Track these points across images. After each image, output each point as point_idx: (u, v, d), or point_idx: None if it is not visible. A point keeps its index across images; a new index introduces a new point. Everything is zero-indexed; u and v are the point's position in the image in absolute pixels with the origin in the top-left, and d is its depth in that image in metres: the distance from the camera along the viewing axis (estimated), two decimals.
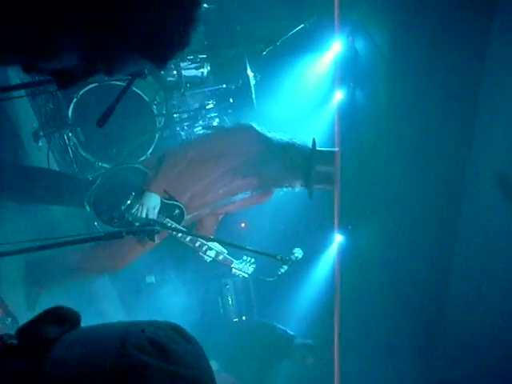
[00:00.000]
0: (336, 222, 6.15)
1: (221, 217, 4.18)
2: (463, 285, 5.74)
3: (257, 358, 5.61)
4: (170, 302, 5.75)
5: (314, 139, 3.89)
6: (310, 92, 6.28)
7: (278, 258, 3.58)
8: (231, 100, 5.40)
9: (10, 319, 3.74)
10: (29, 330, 0.83)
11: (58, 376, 0.72)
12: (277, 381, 5.97)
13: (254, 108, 5.46)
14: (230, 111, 5.46)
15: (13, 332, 0.89)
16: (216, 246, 3.89)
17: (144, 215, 3.68)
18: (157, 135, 4.96)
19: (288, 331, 5.84)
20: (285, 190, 3.99)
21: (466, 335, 5.60)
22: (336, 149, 4.01)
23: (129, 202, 3.75)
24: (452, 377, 5.95)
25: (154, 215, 3.70)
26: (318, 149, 3.86)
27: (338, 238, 6.90)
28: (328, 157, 3.86)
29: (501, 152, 4.79)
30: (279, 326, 5.94)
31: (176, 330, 0.88)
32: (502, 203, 4.74)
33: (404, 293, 6.23)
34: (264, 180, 3.87)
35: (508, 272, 4.80)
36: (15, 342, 0.82)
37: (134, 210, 3.72)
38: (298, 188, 3.92)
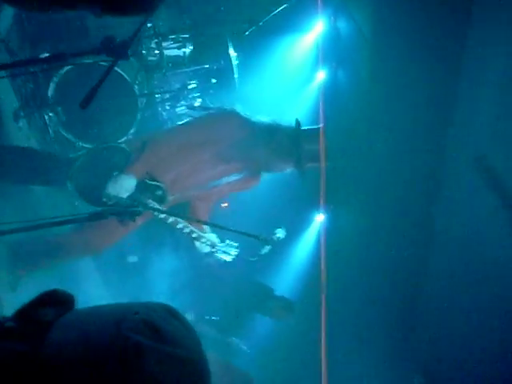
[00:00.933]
0: (321, 201, 6.19)
1: (212, 204, 4.19)
2: (443, 263, 5.84)
3: (232, 303, 5.70)
4: (153, 281, 5.76)
5: (297, 119, 3.90)
6: (293, 72, 6.27)
7: (261, 238, 3.60)
8: (213, 80, 5.38)
9: None
10: (26, 313, 0.85)
11: (57, 357, 0.74)
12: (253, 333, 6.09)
13: (236, 89, 5.45)
14: (211, 91, 5.44)
15: None
16: (198, 231, 3.90)
17: (116, 195, 3.66)
18: (138, 115, 4.94)
19: (267, 284, 5.95)
20: (274, 173, 4.01)
21: (445, 310, 5.71)
22: (320, 125, 4.04)
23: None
24: (431, 349, 6.08)
25: (124, 195, 3.69)
26: (303, 128, 3.88)
27: (319, 218, 6.96)
28: (314, 134, 3.89)
29: (480, 136, 4.85)
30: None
31: (169, 311, 0.90)
32: (481, 186, 4.82)
33: (385, 270, 6.31)
34: (250, 165, 3.89)
35: (486, 251, 4.88)
36: (12, 324, 0.84)
37: (108, 190, 3.70)
38: (289, 170, 3.93)
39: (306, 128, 3.92)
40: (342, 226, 6.67)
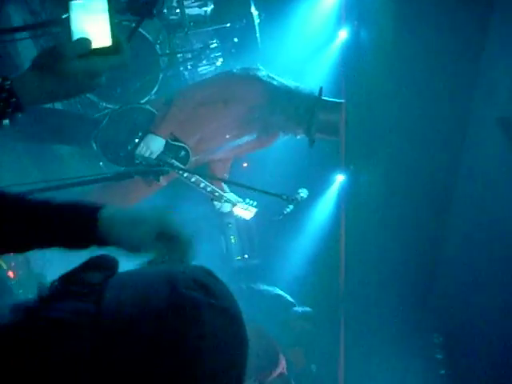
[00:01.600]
0: (341, 161, 6.17)
1: (229, 164, 4.23)
2: (462, 222, 5.85)
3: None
4: None
5: (321, 88, 3.87)
6: (315, 30, 6.20)
7: (284, 197, 3.63)
8: (235, 39, 5.34)
9: (21, 257, 3.84)
10: (75, 276, 0.88)
11: (118, 315, 0.78)
12: None
13: (259, 47, 5.40)
14: (233, 51, 5.39)
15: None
16: (219, 190, 3.96)
17: (147, 155, 3.72)
18: (160, 75, 4.93)
19: (288, 297, 5.85)
20: (288, 136, 4.03)
21: (464, 268, 5.74)
22: (342, 100, 4.00)
23: (136, 141, 3.79)
24: (450, 307, 6.13)
25: (153, 156, 3.74)
26: (323, 98, 3.86)
27: (339, 178, 6.96)
28: (333, 107, 3.87)
29: (504, 96, 4.80)
30: (280, 291, 5.97)
31: (207, 271, 0.96)
32: (504, 147, 4.79)
33: (405, 229, 6.33)
34: (268, 127, 3.91)
35: (505, 210, 4.88)
36: (62, 287, 0.87)
37: (138, 150, 3.76)
38: (299, 136, 3.95)
39: (327, 99, 3.90)
40: (362, 186, 6.67)
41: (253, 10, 5.31)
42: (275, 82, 3.87)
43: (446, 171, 5.88)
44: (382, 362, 6.22)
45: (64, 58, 1.17)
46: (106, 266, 0.92)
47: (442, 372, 6.45)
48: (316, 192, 6.74)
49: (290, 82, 3.92)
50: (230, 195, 4.05)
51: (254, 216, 4.10)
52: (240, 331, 0.89)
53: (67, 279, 0.88)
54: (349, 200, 6.66)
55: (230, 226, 7.02)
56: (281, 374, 4.68)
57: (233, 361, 0.84)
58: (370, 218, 6.68)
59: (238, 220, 6.95)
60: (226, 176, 4.24)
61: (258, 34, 5.37)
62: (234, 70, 4.13)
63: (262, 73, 3.89)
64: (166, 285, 0.83)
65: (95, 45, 1.20)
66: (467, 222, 5.76)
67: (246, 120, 3.87)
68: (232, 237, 7.02)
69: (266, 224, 6.32)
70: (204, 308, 0.82)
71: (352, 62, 6.13)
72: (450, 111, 5.40)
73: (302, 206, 3.87)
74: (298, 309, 5.71)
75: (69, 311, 0.77)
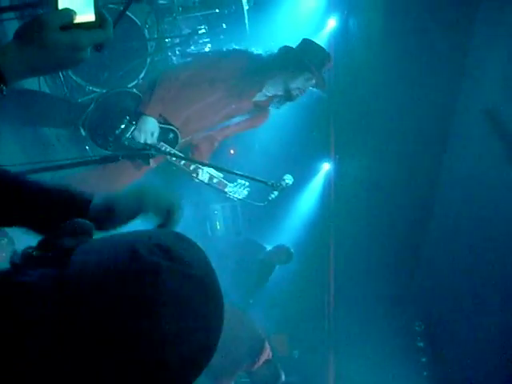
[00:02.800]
0: (329, 149, 6.19)
1: (217, 143, 4.22)
2: (447, 211, 5.90)
3: (241, 274, 5.71)
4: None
5: (285, 45, 3.90)
6: (304, 18, 6.19)
7: (270, 183, 3.62)
8: (224, 25, 5.31)
9: (6, 239, 3.82)
10: (49, 242, 0.91)
11: (80, 277, 0.81)
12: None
13: (247, 34, 5.39)
14: (222, 37, 5.38)
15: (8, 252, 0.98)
16: (211, 170, 3.95)
17: (142, 140, 3.71)
18: (148, 60, 4.91)
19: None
20: (296, 97, 3.98)
21: (446, 258, 5.81)
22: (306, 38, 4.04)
23: (123, 126, 3.77)
24: (432, 295, 6.21)
25: (152, 140, 3.74)
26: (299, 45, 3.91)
27: (325, 167, 6.99)
28: (308, 46, 3.90)
29: (491, 89, 4.84)
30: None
31: (179, 237, 0.97)
32: (489, 137, 4.83)
33: (389, 218, 6.38)
34: (263, 96, 3.93)
35: (489, 201, 4.94)
36: (39, 252, 0.90)
37: (130, 135, 3.75)
38: (308, 85, 3.90)
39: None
40: (348, 172, 6.70)
41: None
42: (256, 52, 3.91)
43: (431, 161, 5.92)
44: (365, 350, 6.29)
45: (47, 28, 1.16)
46: (80, 231, 0.95)
47: (424, 360, 6.54)
48: (302, 179, 6.77)
49: (266, 49, 3.96)
50: (220, 176, 4.04)
51: (245, 199, 4.08)
52: (208, 300, 0.89)
53: (43, 244, 0.90)
54: (335, 187, 6.70)
55: (216, 212, 7.04)
56: (267, 361, 4.72)
57: (196, 329, 0.84)
58: (354, 208, 6.72)
59: (224, 207, 6.98)
60: (209, 155, 4.23)
61: (246, 21, 5.35)
62: (218, 50, 4.14)
63: (245, 48, 3.94)
64: (128, 249, 0.85)
65: (79, 19, 1.21)
66: (451, 212, 5.82)
67: (239, 92, 3.86)
68: (217, 223, 7.05)
69: (250, 211, 6.34)
70: (164, 272, 0.82)
71: (341, 50, 6.14)
72: (436, 102, 5.43)
73: (287, 193, 3.88)
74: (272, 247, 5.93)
75: (36, 275, 0.79)
